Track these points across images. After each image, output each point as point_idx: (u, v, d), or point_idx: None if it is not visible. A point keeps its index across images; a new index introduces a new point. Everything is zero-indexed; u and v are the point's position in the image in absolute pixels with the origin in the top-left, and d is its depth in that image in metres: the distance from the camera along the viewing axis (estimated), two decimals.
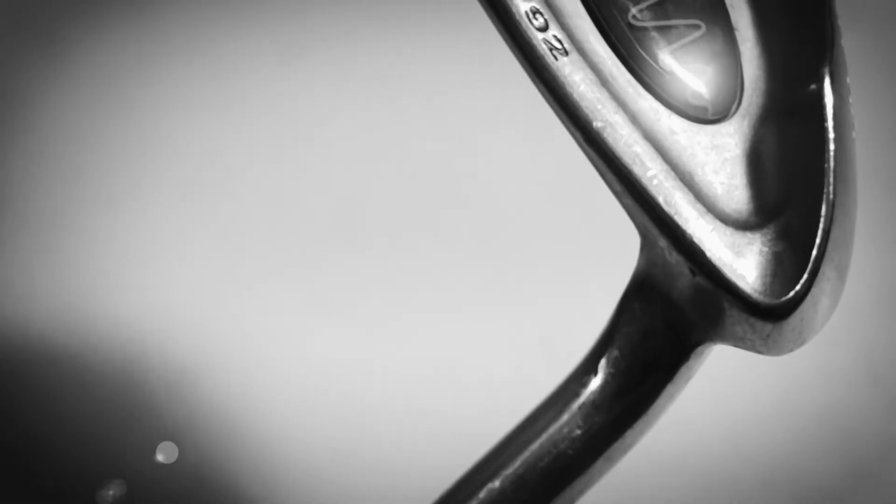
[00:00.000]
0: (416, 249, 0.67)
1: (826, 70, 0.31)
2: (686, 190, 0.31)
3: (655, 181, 0.31)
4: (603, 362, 0.34)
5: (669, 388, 0.34)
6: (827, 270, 0.31)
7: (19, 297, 0.66)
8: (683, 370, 0.34)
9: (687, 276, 0.31)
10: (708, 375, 0.36)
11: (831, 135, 0.31)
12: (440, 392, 0.65)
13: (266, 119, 0.68)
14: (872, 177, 0.66)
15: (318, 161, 0.68)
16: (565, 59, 0.31)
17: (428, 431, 0.64)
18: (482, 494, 0.36)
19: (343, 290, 0.67)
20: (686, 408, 0.37)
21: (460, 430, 0.64)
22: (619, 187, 0.31)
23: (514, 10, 0.32)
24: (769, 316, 0.31)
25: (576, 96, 0.31)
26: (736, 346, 0.32)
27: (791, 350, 0.32)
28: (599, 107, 0.31)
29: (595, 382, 0.35)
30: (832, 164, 0.31)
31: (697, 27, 0.33)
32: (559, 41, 0.32)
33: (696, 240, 0.31)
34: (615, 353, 0.34)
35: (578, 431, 0.35)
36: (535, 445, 0.35)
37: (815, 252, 0.30)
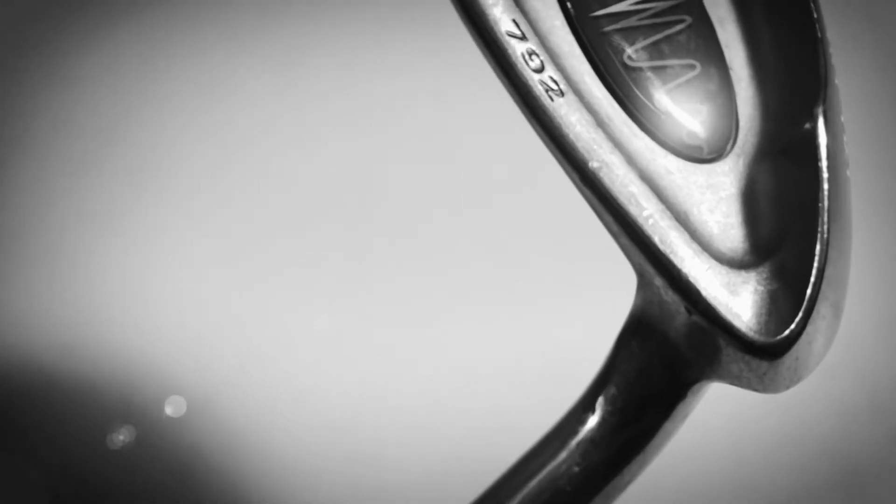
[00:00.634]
0: (416, 249, 0.67)
1: (820, 110, 0.32)
2: (681, 229, 0.31)
3: (651, 221, 0.31)
4: (600, 400, 0.35)
5: (667, 426, 0.34)
6: (822, 309, 0.31)
7: (19, 295, 0.66)
8: (680, 408, 0.34)
9: (683, 315, 0.32)
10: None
11: (825, 174, 0.31)
12: (440, 392, 0.65)
13: (265, 119, 0.69)
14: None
15: (318, 161, 0.68)
16: (561, 99, 0.32)
17: (428, 431, 0.65)
18: None
19: (342, 290, 0.67)
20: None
21: (461, 429, 0.64)
22: (615, 227, 0.32)
23: (510, 51, 0.32)
24: (765, 354, 0.31)
25: (572, 137, 0.31)
26: (732, 384, 0.33)
27: (787, 388, 0.32)
28: (595, 147, 0.32)
29: (593, 420, 0.35)
30: (826, 203, 0.31)
31: (693, 67, 0.34)
32: (555, 82, 0.32)
33: (691, 279, 0.31)
34: (612, 390, 0.34)
35: (577, 468, 0.35)
36: (533, 482, 0.35)
37: (809, 291, 0.31)
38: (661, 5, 0.34)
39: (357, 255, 0.68)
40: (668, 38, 0.34)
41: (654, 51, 0.33)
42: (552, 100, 0.32)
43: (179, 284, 0.67)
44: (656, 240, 0.31)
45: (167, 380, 0.65)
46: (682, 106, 0.33)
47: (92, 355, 0.65)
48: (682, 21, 0.34)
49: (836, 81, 0.34)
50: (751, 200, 0.33)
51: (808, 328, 0.31)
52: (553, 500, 0.35)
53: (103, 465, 0.64)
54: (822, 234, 0.31)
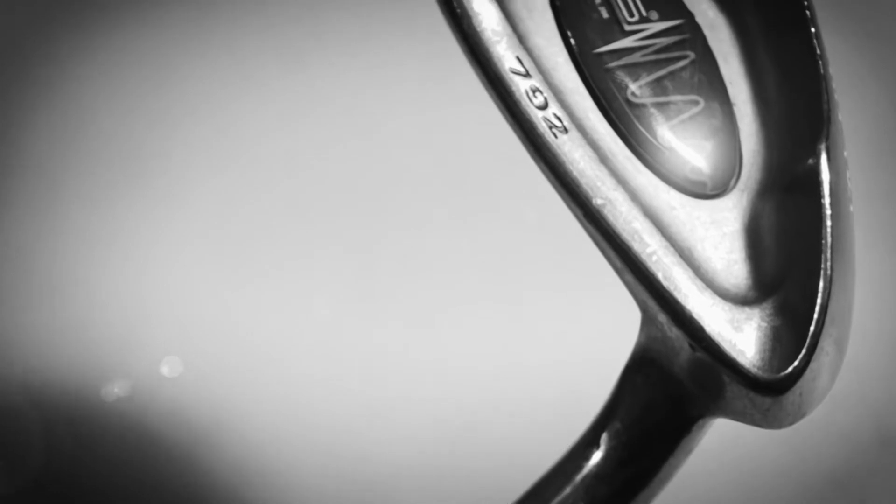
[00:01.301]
0: (415, 249, 0.67)
1: (823, 146, 0.32)
2: (685, 265, 0.32)
3: (655, 257, 0.31)
4: (605, 435, 0.35)
5: (671, 461, 0.34)
6: (825, 345, 0.31)
7: (19, 294, 0.66)
8: (684, 443, 0.34)
9: (687, 351, 0.32)
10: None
11: (828, 211, 0.31)
12: (440, 391, 0.65)
13: (264, 120, 0.69)
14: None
15: (318, 162, 0.68)
16: (565, 136, 0.32)
17: (428, 431, 0.64)
18: None
19: (341, 290, 0.67)
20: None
21: (460, 430, 0.64)
22: (619, 263, 0.32)
23: (514, 89, 0.32)
24: (768, 391, 0.31)
25: (575, 173, 0.32)
26: (736, 419, 0.33)
27: (791, 424, 0.32)
28: (599, 184, 0.32)
29: (597, 455, 0.35)
30: (829, 239, 0.31)
31: (696, 103, 0.34)
32: (559, 119, 0.32)
33: (695, 315, 0.31)
34: (617, 425, 0.34)
35: None
36: None
37: (812, 328, 0.31)
38: (664, 41, 0.34)
39: (357, 254, 0.68)
40: (671, 74, 0.34)
41: (658, 87, 0.34)
42: (556, 136, 0.32)
43: (179, 283, 0.67)
44: (660, 276, 0.31)
45: (167, 380, 0.65)
46: (686, 142, 0.33)
47: (91, 354, 0.65)
48: (685, 57, 0.34)
49: (840, 117, 0.34)
50: (754, 236, 0.33)
51: (812, 365, 0.31)
52: None
53: (104, 468, 0.64)
54: (826, 270, 0.31)
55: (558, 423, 0.64)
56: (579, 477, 0.35)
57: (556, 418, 0.63)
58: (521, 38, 0.33)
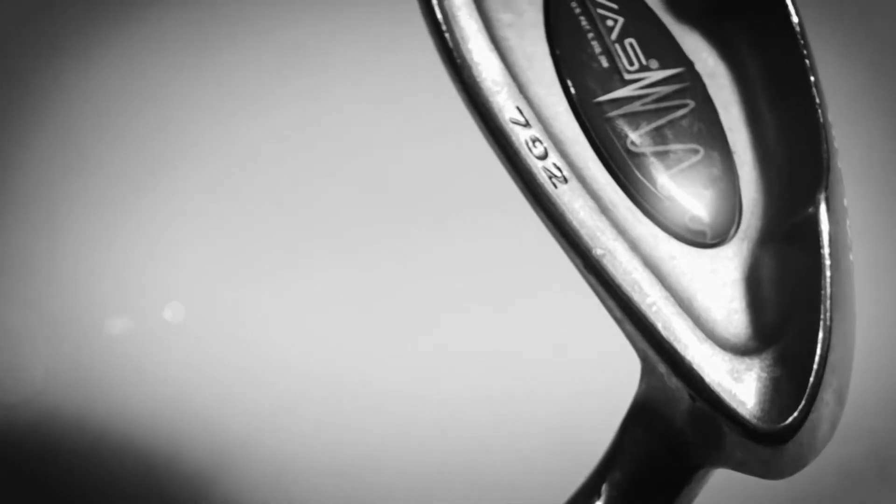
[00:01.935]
0: (415, 249, 0.67)
1: (822, 196, 0.32)
2: (685, 316, 0.32)
3: (655, 308, 0.31)
4: (606, 485, 0.35)
5: None
6: (825, 396, 0.31)
7: (19, 292, 0.66)
8: (685, 493, 0.34)
9: (687, 401, 0.32)
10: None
11: (827, 261, 0.31)
12: (441, 391, 0.65)
13: (264, 121, 0.69)
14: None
15: (317, 162, 0.68)
16: (565, 186, 0.32)
17: (429, 430, 0.64)
18: None
19: (342, 289, 0.67)
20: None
21: (461, 429, 0.64)
22: (619, 314, 0.32)
23: (514, 139, 0.32)
24: (768, 441, 0.31)
25: (575, 224, 0.32)
26: (736, 469, 0.33)
27: (791, 474, 0.32)
28: (599, 234, 0.32)
29: None
30: (829, 290, 0.31)
31: (696, 152, 0.34)
32: (559, 169, 0.32)
33: (695, 366, 0.31)
34: (617, 475, 0.34)
35: None
36: None
37: (812, 379, 0.31)
38: (664, 90, 0.34)
39: (357, 254, 0.68)
40: (671, 122, 0.34)
41: (658, 136, 0.34)
42: (556, 187, 0.32)
43: (179, 283, 0.67)
44: (660, 327, 0.31)
45: (169, 380, 0.65)
46: (686, 191, 0.33)
47: (91, 353, 0.65)
48: (685, 105, 0.34)
49: (840, 165, 0.34)
50: (754, 285, 0.33)
51: (812, 416, 0.31)
52: None
53: (105, 472, 0.64)
54: (825, 321, 0.31)
55: (557, 422, 0.64)
56: None
57: (555, 418, 0.63)
58: (521, 87, 0.33)
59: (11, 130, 0.68)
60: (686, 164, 0.34)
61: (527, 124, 0.32)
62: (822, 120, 0.33)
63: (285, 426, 0.65)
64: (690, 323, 0.32)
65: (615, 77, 0.34)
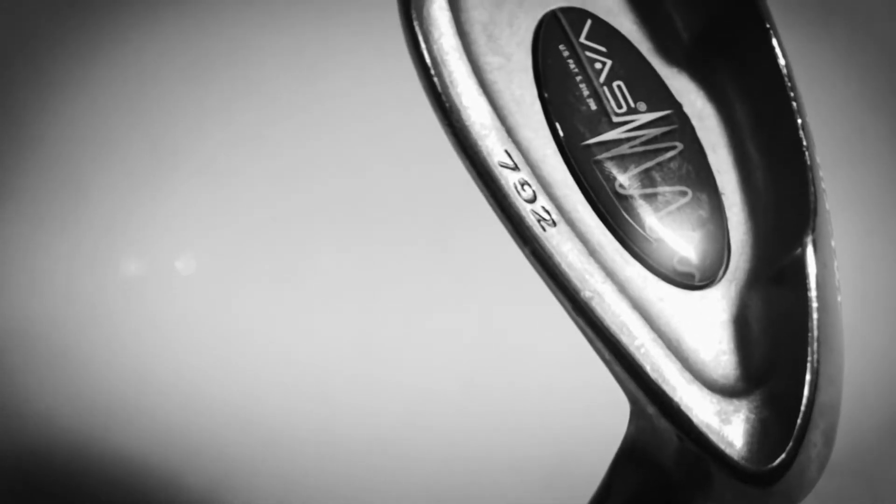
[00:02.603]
0: (416, 249, 0.67)
1: (809, 239, 0.32)
2: (673, 358, 0.32)
3: (643, 350, 0.32)
4: None
5: None
6: (813, 437, 0.31)
7: (19, 291, 0.66)
8: None
9: (675, 443, 0.32)
10: None
11: (814, 304, 0.32)
12: (440, 392, 0.65)
13: (264, 121, 0.69)
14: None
15: (316, 162, 0.68)
16: (553, 230, 0.32)
17: (428, 431, 0.64)
18: None
19: (340, 290, 0.67)
20: None
21: (460, 429, 0.64)
22: (607, 356, 0.32)
23: (503, 182, 0.32)
24: (756, 482, 0.31)
25: (564, 266, 0.32)
26: None
27: None
28: (587, 277, 0.32)
29: None
30: (816, 332, 0.31)
31: (684, 194, 0.34)
32: (547, 212, 0.32)
33: (683, 407, 0.31)
34: None
35: None
36: None
37: (799, 420, 0.31)
38: (652, 132, 0.34)
39: (357, 253, 0.68)
40: (659, 165, 0.34)
41: (646, 178, 0.34)
42: (545, 230, 0.32)
43: (179, 283, 0.67)
44: (648, 369, 0.31)
45: (169, 380, 0.65)
46: (674, 233, 0.34)
47: (94, 353, 0.65)
48: (673, 148, 0.35)
49: (827, 206, 0.35)
50: (743, 327, 0.33)
51: (800, 457, 0.31)
52: None
53: (106, 473, 0.64)
54: (812, 363, 0.31)
55: (556, 423, 0.64)
56: None
57: (554, 419, 0.63)
58: (509, 131, 0.33)
59: (14, 132, 0.68)
60: (674, 206, 0.34)
61: (515, 168, 0.32)
62: (809, 162, 0.33)
63: (285, 426, 0.65)
64: (679, 365, 0.32)
65: (603, 120, 0.34)
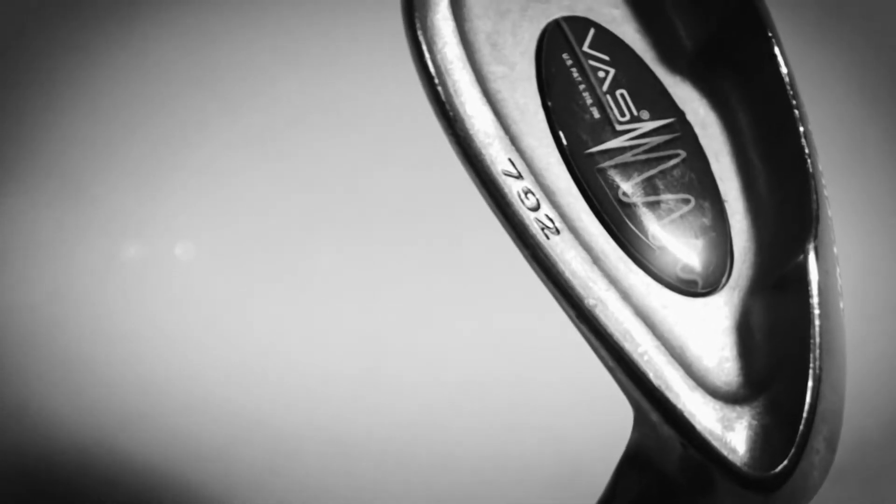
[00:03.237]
0: (416, 249, 0.67)
1: (811, 245, 0.32)
2: (676, 365, 0.32)
3: (646, 357, 0.32)
4: None
5: None
6: (815, 444, 0.32)
7: (19, 291, 0.66)
8: None
9: (679, 449, 0.32)
10: None
11: (816, 311, 0.32)
12: (440, 392, 0.65)
13: (265, 121, 0.69)
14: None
15: (315, 163, 0.69)
16: (557, 237, 0.32)
17: (429, 430, 0.64)
18: None
19: (341, 290, 0.67)
20: None
21: (461, 429, 0.64)
22: (611, 363, 0.32)
23: (506, 191, 0.32)
24: (759, 489, 0.31)
25: (568, 274, 0.32)
26: None
27: None
28: (591, 284, 0.32)
29: None
30: (818, 339, 0.32)
31: (687, 201, 0.34)
32: (551, 220, 0.32)
33: (686, 414, 0.31)
34: None
35: None
36: None
37: (802, 427, 0.31)
38: (655, 140, 0.35)
39: (359, 253, 0.68)
40: (662, 172, 0.34)
41: (649, 186, 0.34)
42: (548, 238, 0.32)
43: (180, 282, 0.67)
44: (651, 376, 0.32)
45: (171, 380, 0.65)
46: (678, 240, 0.34)
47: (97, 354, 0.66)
48: (676, 156, 0.35)
49: (830, 213, 0.35)
50: (745, 334, 0.33)
51: (802, 463, 0.31)
52: None
53: (108, 473, 0.64)
54: (815, 369, 0.32)
55: (555, 423, 0.64)
56: None
57: (554, 419, 0.63)
58: (513, 139, 0.33)
59: (15, 131, 0.68)
60: (677, 213, 0.34)
61: (519, 176, 0.33)
62: (811, 170, 0.33)
63: (283, 424, 0.65)
64: (682, 371, 0.32)
65: (607, 128, 0.34)
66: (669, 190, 0.34)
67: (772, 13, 0.35)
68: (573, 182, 0.34)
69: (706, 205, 0.34)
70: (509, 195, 0.32)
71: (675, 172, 0.34)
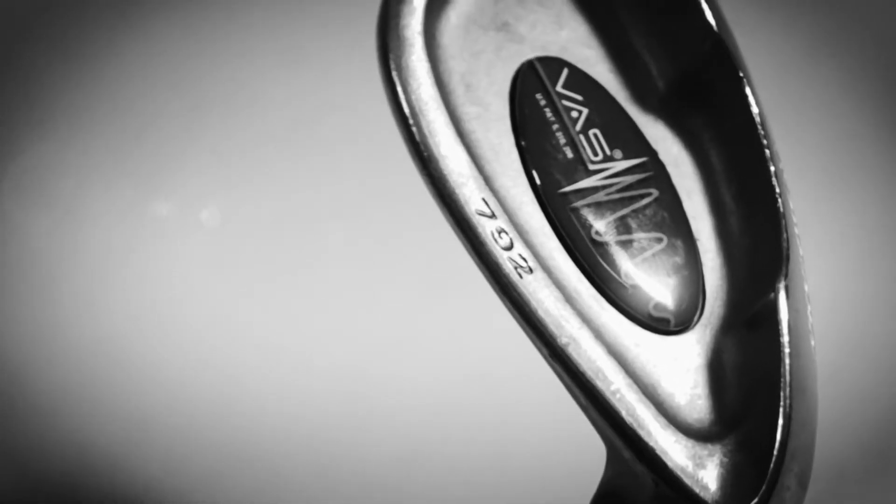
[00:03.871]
0: (416, 249, 0.67)
1: (781, 284, 0.33)
2: (648, 403, 0.32)
3: (618, 395, 0.32)
4: None
5: None
6: (786, 481, 0.32)
7: (21, 292, 0.66)
8: None
9: (651, 486, 0.32)
10: None
11: (787, 349, 0.32)
12: (439, 392, 0.65)
13: (266, 122, 0.69)
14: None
15: (315, 163, 0.69)
16: (530, 277, 0.33)
17: (429, 431, 0.65)
18: None
19: (340, 290, 0.67)
20: None
21: (462, 429, 0.64)
22: (583, 401, 0.32)
23: (480, 230, 0.33)
24: None
25: (541, 313, 0.32)
26: None
27: None
28: (564, 323, 0.32)
29: None
30: (788, 378, 0.32)
31: (659, 240, 0.35)
32: (524, 259, 0.33)
33: (658, 452, 0.32)
34: None
35: None
36: None
37: (772, 464, 0.31)
38: (628, 180, 0.35)
39: (357, 253, 0.68)
40: (634, 212, 0.35)
41: (622, 225, 0.34)
42: (521, 277, 0.33)
43: (180, 283, 0.67)
44: (624, 414, 0.32)
45: (171, 380, 0.65)
46: (650, 279, 0.34)
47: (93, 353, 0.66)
48: (648, 194, 0.35)
49: (801, 252, 0.35)
50: (717, 371, 0.34)
51: (773, 500, 0.32)
52: None
53: (109, 471, 0.64)
54: (785, 407, 0.32)
55: (554, 423, 0.64)
56: None
57: (552, 419, 0.63)
58: (487, 179, 0.34)
59: (17, 130, 0.68)
60: (650, 252, 0.34)
61: (493, 216, 0.33)
62: (782, 209, 0.34)
63: (283, 424, 0.65)
64: (654, 409, 0.32)
65: (580, 167, 0.35)
66: (642, 229, 0.34)
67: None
68: (546, 221, 0.34)
69: (678, 243, 0.35)
70: (483, 235, 0.33)
71: (648, 211, 0.35)
